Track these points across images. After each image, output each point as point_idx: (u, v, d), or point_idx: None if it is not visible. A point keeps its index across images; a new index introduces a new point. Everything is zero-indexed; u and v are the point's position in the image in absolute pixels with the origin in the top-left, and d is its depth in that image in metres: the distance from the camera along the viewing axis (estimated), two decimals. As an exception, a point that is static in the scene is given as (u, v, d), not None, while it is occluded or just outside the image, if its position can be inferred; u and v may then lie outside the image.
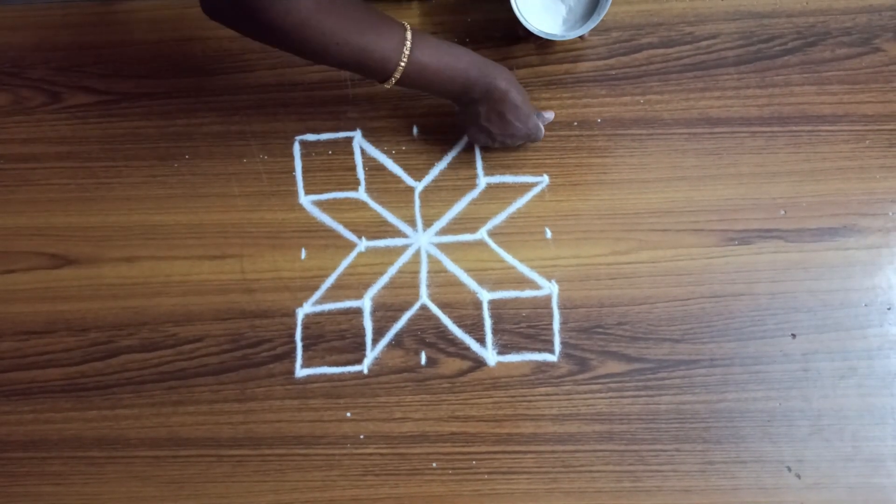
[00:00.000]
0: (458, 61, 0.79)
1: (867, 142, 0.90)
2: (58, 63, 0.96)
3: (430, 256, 0.90)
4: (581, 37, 0.88)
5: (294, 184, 0.92)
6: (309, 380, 0.88)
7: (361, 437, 0.86)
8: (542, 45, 0.93)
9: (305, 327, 0.89)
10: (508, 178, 0.91)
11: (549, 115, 0.88)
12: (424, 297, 0.89)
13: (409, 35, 0.76)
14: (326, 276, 0.90)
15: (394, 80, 0.78)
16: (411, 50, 0.76)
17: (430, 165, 0.92)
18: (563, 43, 0.93)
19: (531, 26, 0.86)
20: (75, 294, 0.91)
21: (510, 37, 0.93)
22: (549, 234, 0.90)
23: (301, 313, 0.89)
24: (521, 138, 0.87)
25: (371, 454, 0.86)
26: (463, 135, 0.92)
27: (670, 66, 0.93)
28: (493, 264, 0.89)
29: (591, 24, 0.86)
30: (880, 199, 0.89)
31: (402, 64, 0.76)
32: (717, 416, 0.85)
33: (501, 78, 0.81)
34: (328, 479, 0.86)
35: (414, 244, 0.90)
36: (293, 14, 0.70)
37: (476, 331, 0.88)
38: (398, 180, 0.92)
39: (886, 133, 0.90)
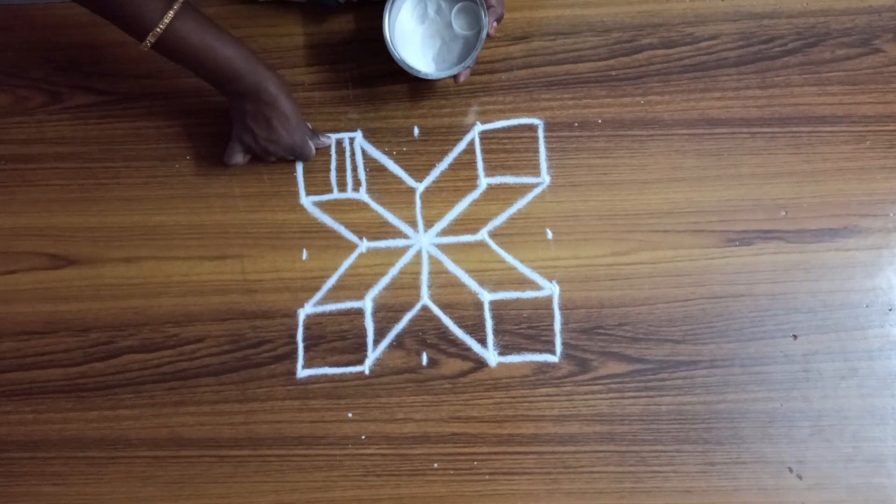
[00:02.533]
0: (223, 47, 0.80)
1: (867, 142, 0.90)
2: (58, 63, 0.96)
3: (431, 257, 0.90)
4: (454, 77, 0.87)
5: (295, 184, 0.92)
6: (310, 380, 0.88)
7: (363, 437, 0.86)
8: (542, 51, 0.93)
9: (307, 328, 0.89)
10: (509, 179, 0.91)
11: (327, 140, 0.91)
12: (425, 298, 0.89)
13: (176, 5, 0.76)
14: (327, 276, 0.90)
15: (149, 43, 0.77)
16: (173, 19, 0.76)
17: (431, 166, 0.92)
18: (563, 45, 0.93)
19: (403, 63, 0.86)
20: (76, 294, 0.91)
21: (509, 38, 0.93)
22: (549, 234, 0.90)
23: (302, 314, 0.89)
24: (285, 149, 0.88)
25: (372, 455, 0.86)
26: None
27: (671, 67, 0.93)
28: (494, 265, 0.89)
29: (461, 67, 0.85)
30: (881, 200, 0.89)
31: (160, 29, 0.76)
32: (718, 416, 0.85)
33: (272, 82, 0.83)
34: (329, 479, 0.86)
35: (415, 245, 0.90)
36: None
37: (477, 331, 0.88)
38: (399, 181, 0.92)
39: (887, 134, 0.90)
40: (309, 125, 0.90)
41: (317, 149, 0.91)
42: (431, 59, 0.89)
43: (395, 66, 0.85)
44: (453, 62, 0.88)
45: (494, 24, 0.85)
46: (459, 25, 0.88)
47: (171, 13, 0.76)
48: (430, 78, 0.87)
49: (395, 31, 0.87)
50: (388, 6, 0.85)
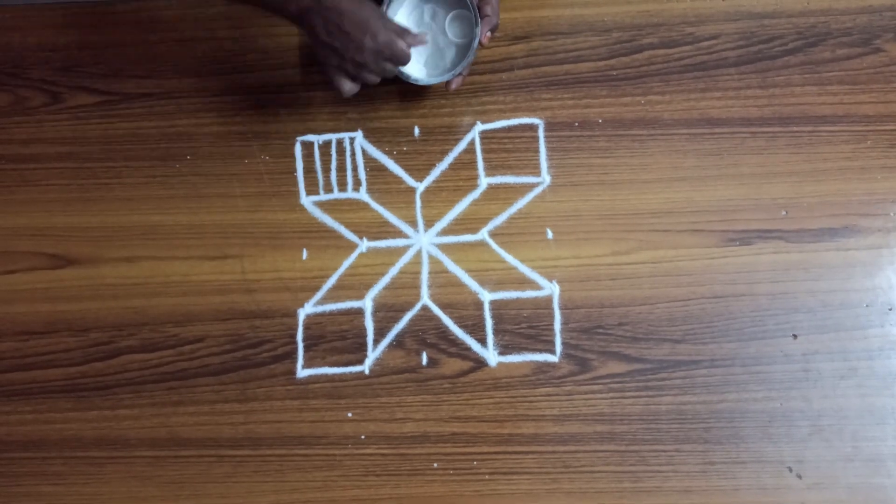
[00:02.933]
0: None
1: (868, 142, 0.90)
2: (58, 63, 0.96)
3: (431, 257, 0.90)
4: (447, 84, 0.87)
5: (295, 184, 0.92)
6: (310, 380, 0.88)
7: (362, 437, 0.86)
8: (545, 51, 0.93)
9: (306, 328, 0.89)
10: (509, 179, 0.91)
11: (422, 37, 0.81)
12: (425, 298, 0.89)
13: None
14: (327, 276, 0.90)
15: None
16: None
17: (431, 166, 0.92)
18: (563, 45, 0.93)
19: (398, 70, 0.85)
20: (76, 294, 0.91)
21: (510, 37, 0.93)
22: (550, 234, 0.90)
23: (302, 314, 0.89)
24: (373, 53, 0.78)
25: (372, 454, 0.86)
26: None
27: (671, 67, 0.93)
28: (494, 265, 0.89)
29: (452, 74, 0.86)
30: (881, 200, 0.89)
31: None
32: (718, 416, 0.85)
33: None
34: (329, 479, 0.86)
35: (415, 245, 0.90)
36: None
37: (477, 331, 0.88)
38: (399, 181, 0.92)
39: (887, 133, 0.90)
40: (397, 24, 0.81)
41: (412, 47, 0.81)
42: (423, 63, 0.90)
43: None
44: (446, 68, 0.88)
45: (489, 34, 0.85)
46: (454, 33, 0.88)
47: None
48: (420, 83, 0.87)
49: None
50: (384, 8, 0.85)
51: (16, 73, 0.96)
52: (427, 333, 0.88)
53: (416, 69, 0.89)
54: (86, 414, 0.88)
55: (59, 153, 0.94)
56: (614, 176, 0.91)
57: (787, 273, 0.88)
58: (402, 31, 0.79)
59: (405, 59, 0.80)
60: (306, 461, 0.86)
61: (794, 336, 0.86)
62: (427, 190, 0.92)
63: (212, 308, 0.90)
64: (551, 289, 0.88)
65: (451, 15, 0.88)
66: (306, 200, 0.92)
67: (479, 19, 0.84)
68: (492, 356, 0.87)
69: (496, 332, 0.88)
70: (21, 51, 0.97)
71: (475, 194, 0.91)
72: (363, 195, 0.92)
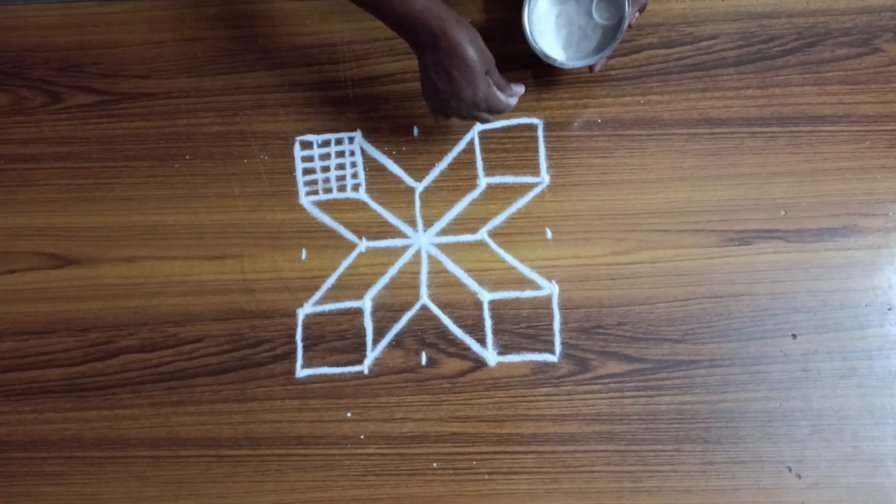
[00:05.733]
0: None
1: (867, 142, 0.90)
2: (58, 63, 0.96)
3: (430, 257, 0.90)
4: (590, 67, 0.88)
5: (294, 184, 0.92)
6: (309, 380, 0.88)
7: (362, 437, 0.86)
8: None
9: (306, 327, 0.89)
10: (509, 179, 0.91)
11: (520, 89, 0.83)
12: (425, 298, 0.89)
13: None
14: (327, 276, 0.90)
15: None
16: None
17: (431, 166, 0.92)
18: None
19: (539, 49, 0.86)
20: (75, 294, 0.91)
21: (510, 37, 0.93)
22: (549, 234, 0.90)
23: (301, 313, 0.89)
24: (470, 104, 0.79)
25: (371, 454, 0.86)
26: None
27: (670, 67, 0.93)
28: (494, 265, 0.89)
29: (599, 57, 0.86)
30: (880, 200, 0.89)
31: None
32: (718, 416, 0.85)
33: (454, 27, 0.74)
34: (328, 479, 0.86)
35: (414, 244, 0.90)
36: None
37: (476, 331, 0.88)
38: (398, 181, 0.92)
39: (887, 133, 0.90)
40: (503, 77, 0.81)
41: (512, 100, 0.82)
42: (561, 47, 0.89)
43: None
44: (590, 51, 0.88)
45: (637, 14, 0.85)
46: (600, 15, 0.88)
47: None
48: (565, 67, 0.87)
49: (533, 14, 0.87)
50: None
51: (16, 73, 0.96)
52: (426, 333, 0.88)
53: (556, 51, 0.88)
54: (85, 414, 0.88)
55: (59, 153, 0.94)
56: (614, 176, 0.91)
57: (786, 273, 0.88)
58: (505, 85, 0.81)
59: (506, 111, 0.81)
60: (306, 461, 0.86)
61: (794, 336, 0.86)
62: (426, 190, 0.92)
63: (211, 308, 0.90)
64: (551, 289, 0.88)
65: None
66: (305, 200, 0.92)
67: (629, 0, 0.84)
68: (491, 356, 0.87)
69: (495, 331, 0.88)
70: (21, 51, 0.97)
71: (474, 194, 0.91)
72: (362, 195, 0.92)
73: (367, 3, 0.77)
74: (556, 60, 0.86)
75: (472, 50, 0.75)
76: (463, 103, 0.79)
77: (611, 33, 0.87)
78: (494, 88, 0.79)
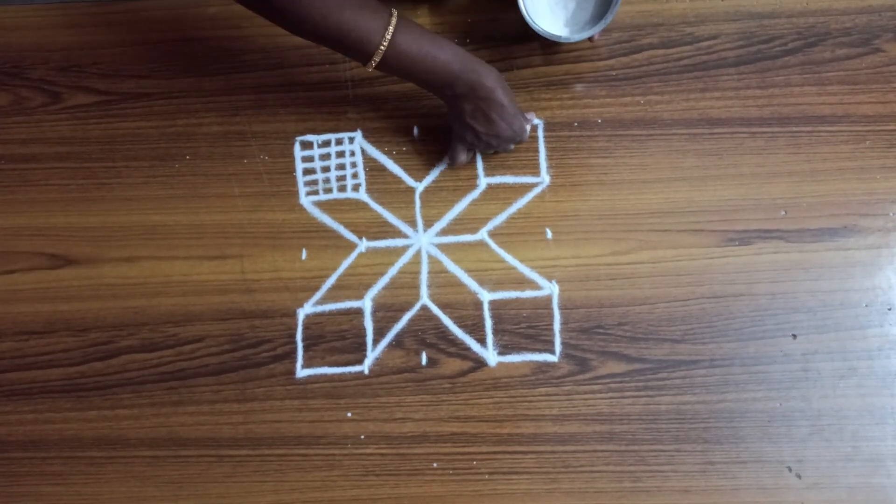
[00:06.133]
0: (440, 52, 0.79)
1: (867, 142, 0.90)
2: (58, 63, 0.96)
3: (430, 257, 0.90)
4: (590, 38, 0.88)
5: (294, 184, 0.92)
6: (309, 380, 0.88)
7: (362, 437, 0.86)
8: (546, 47, 0.93)
9: (306, 327, 0.89)
10: (509, 179, 0.91)
11: (533, 119, 0.89)
12: (425, 298, 0.89)
13: (393, 20, 0.76)
14: (327, 276, 0.90)
15: (374, 63, 0.77)
16: (393, 35, 0.76)
17: (431, 166, 0.92)
18: (565, 44, 0.93)
19: (538, 27, 0.86)
20: (75, 294, 0.91)
21: (510, 37, 0.93)
22: (549, 234, 0.90)
23: (302, 314, 0.89)
24: (506, 140, 0.86)
25: (371, 454, 0.86)
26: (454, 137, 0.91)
27: (670, 67, 0.93)
28: (494, 265, 0.89)
29: (601, 26, 0.86)
30: (880, 200, 0.89)
31: (383, 47, 0.76)
32: (718, 416, 0.85)
33: (487, 76, 0.80)
34: (328, 479, 0.86)
35: (414, 244, 0.90)
36: None
37: (477, 331, 0.88)
38: (399, 181, 0.92)
39: (887, 133, 0.90)
40: (520, 111, 0.87)
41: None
42: (563, 22, 0.89)
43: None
44: (586, 22, 0.89)
45: None
46: None
47: (390, 28, 0.76)
48: (564, 41, 0.87)
49: None
50: None
51: (16, 73, 0.96)
52: (426, 333, 0.88)
53: (558, 27, 0.89)
54: (85, 414, 0.88)
55: (59, 153, 0.94)
56: (614, 176, 0.91)
57: (786, 273, 0.88)
58: (525, 117, 0.87)
59: (524, 141, 0.89)
60: (306, 461, 0.86)
61: (794, 336, 0.86)
62: (426, 190, 0.92)
63: (211, 308, 0.90)
64: (551, 289, 0.88)
65: None
66: (305, 200, 0.92)
67: None
68: (491, 356, 0.87)
69: (496, 332, 0.88)
70: (21, 51, 0.97)
71: (474, 194, 0.91)
72: (362, 195, 0.92)
73: (406, 71, 0.80)
74: (559, 37, 0.86)
75: (504, 93, 0.82)
76: (502, 141, 0.86)
77: (604, 2, 0.87)
78: (524, 121, 0.86)
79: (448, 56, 0.79)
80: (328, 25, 0.75)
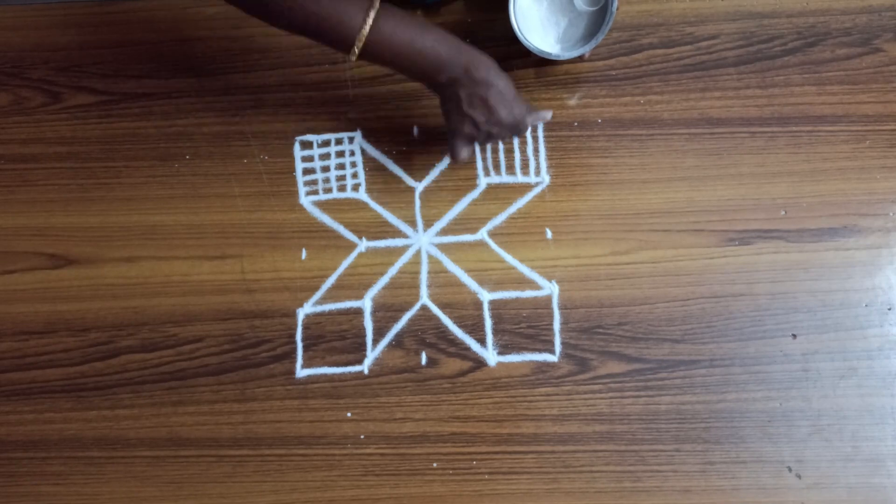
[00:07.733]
0: (427, 35, 0.75)
1: (867, 142, 0.90)
2: (58, 63, 0.96)
3: (430, 257, 0.90)
4: (581, 56, 0.88)
5: (294, 184, 0.92)
6: (309, 380, 0.88)
7: (362, 437, 0.86)
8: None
9: (306, 327, 0.89)
10: (509, 179, 0.91)
11: (547, 115, 0.85)
12: (425, 298, 0.89)
13: (376, 3, 0.73)
14: (327, 276, 0.90)
15: (356, 51, 0.74)
16: (375, 19, 0.73)
17: (431, 166, 0.92)
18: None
19: (530, 44, 0.86)
20: (75, 294, 0.91)
21: (510, 37, 0.93)
22: (549, 234, 0.90)
23: (301, 313, 0.89)
24: (508, 127, 0.82)
25: (371, 454, 0.86)
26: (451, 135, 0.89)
27: (670, 67, 0.93)
28: (494, 265, 0.89)
29: (593, 44, 0.86)
30: (880, 200, 0.89)
31: (365, 31, 0.73)
32: (718, 416, 0.85)
33: (480, 61, 0.77)
34: (328, 479, 0.86)
35: (414, 244, 0.90)
36: None
37: (476, 331, 0.88)
38: (398, 181, 0.92)
39: (886, 133, 0.90)
40: (525, 100, 0.84)
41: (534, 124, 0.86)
42: (555, 39, 0.89)
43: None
44: (577, 39, 0.88)
45: None
46: (584, 1, 0.88)
47: (372, 12, 0.72)
48: (558, 59, 0.87)
49: (518, 10, 0.87)
50: None
51: (16, 73, 0.96)
52: (426, 333, 0.88)
53: (547, 44, 0.88)
54: (85, 414, 0.88)
55: (59, 153, 0.94)
56: (614, 176, 0.91)
57: (786, 273, 0.88)
58: (530, 108, 0.83)
59: (525, 129, 0.84)
60: (306, 461, 0.86)
61: (794, 336, 0.86)
62: (426, 190, 0.92)
63: (211, 308, 0.90)
64: (551, 289, 0.88)
65: None
66: (305, 200, 0.92)
67: None
68: (491, 356, 0.87)
69: (495, 331, 0.88)
70: (21, 51, 0.97)
71: (474, 194, 0.91)
72: (362, 195, 0.92)
73: (391, 59, 0.77)
74: (549, 53, 0.86)
75: (501, 77, 0.78)
76: (504, 128, 0.81)
77: (596, 17, 0.87)
78: (526, 110, 0.82)
79: (434, 40, 0.75)
80: (306, 13, 0.72)
